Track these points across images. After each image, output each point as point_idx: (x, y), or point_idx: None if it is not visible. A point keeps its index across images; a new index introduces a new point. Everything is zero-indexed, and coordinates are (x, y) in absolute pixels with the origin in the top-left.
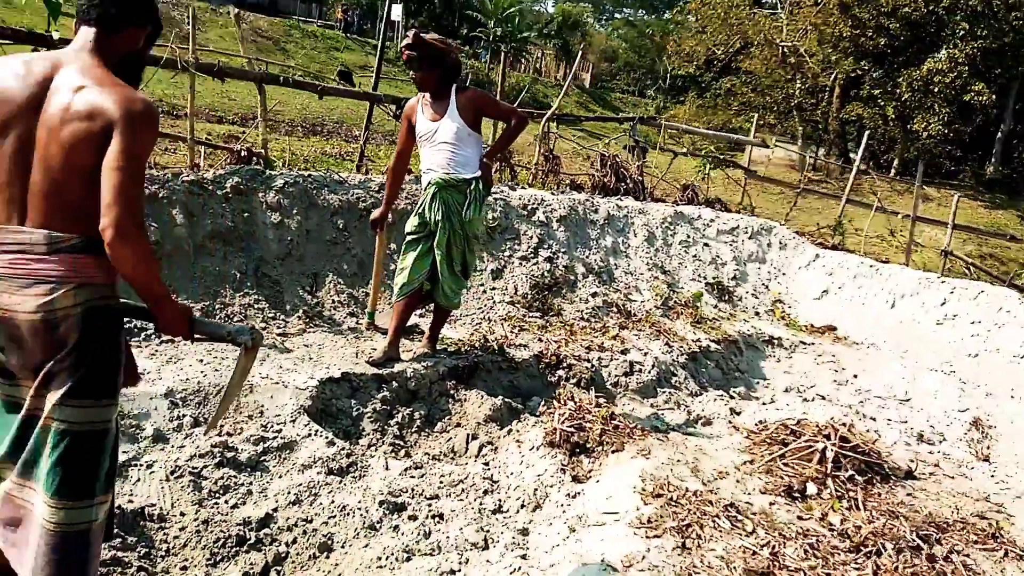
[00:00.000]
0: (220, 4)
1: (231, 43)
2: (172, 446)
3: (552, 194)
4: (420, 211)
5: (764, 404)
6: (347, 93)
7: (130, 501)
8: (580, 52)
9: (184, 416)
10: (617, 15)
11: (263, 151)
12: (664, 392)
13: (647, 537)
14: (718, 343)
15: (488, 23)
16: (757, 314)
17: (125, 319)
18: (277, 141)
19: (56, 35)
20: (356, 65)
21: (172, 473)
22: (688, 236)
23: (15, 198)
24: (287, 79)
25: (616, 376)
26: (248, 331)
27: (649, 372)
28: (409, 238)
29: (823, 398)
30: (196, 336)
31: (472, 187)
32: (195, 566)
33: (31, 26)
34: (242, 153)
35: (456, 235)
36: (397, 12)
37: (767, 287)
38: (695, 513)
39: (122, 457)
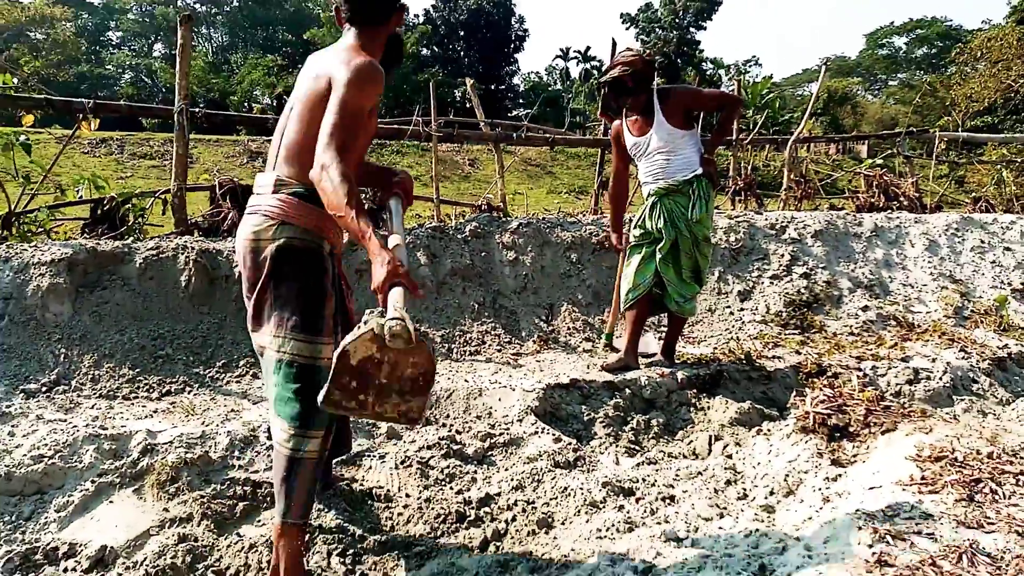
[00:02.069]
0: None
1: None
2: (404, 441)
3: (804, 212)
4: (641, 222)
5: None
6: (577, 142)
7: (361, 484)
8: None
9: None
10: (891, 82)
11: (501, 204)
12: (962, 400)
13: (919, 492)
14: None
15: (747, 112)
16: None
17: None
18: (519, 196)
19: None
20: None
21: (402, 462)
22: (982, 241)
23: (273, 154)
24: (519, 135)
25: (897, 384)
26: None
27: (940, 378)
28: (633, 243)
29: None
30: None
31: (694, 186)
32: (417, 540)
33: None
34: (482, 207)
35: (684, 240)
36: None
37: None
38: (989, 472)
39: (356, 449)
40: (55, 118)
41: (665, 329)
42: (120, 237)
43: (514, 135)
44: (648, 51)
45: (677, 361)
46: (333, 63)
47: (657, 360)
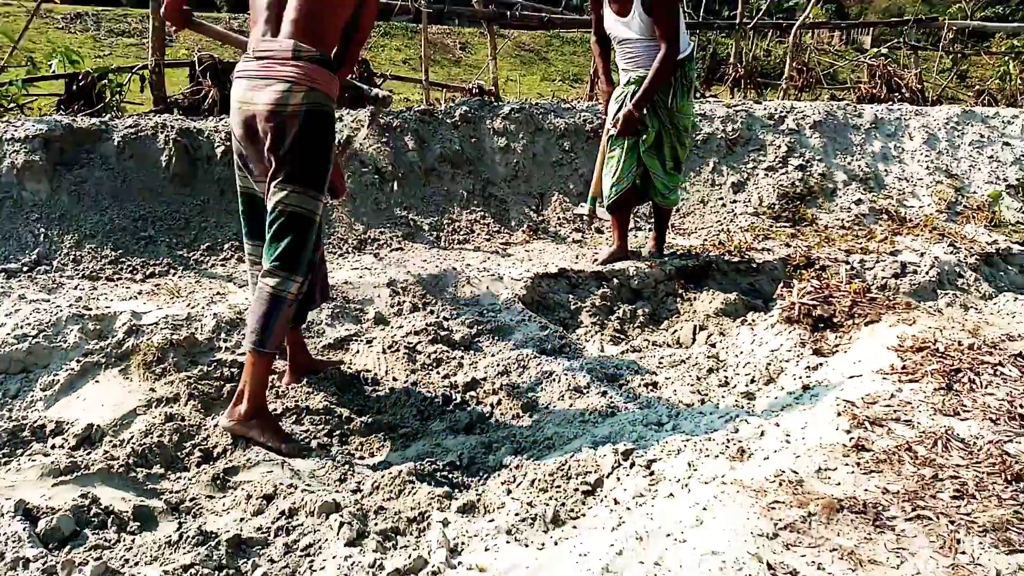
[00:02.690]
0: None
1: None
2: (391, 326)
3: (804, 103)
4: (619, 112)
5: None
6: (573, 23)
7: (349, 368)
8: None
9: (403, 302)
10: None
11: (493, 88)
12: (946, 295)
13: (899, 381)
14: (1023, 245)
15: None
16: None
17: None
18: (511, 83)
19: None
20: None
21: (389, 347)
22: (982, 136)
23: (271, 20)
24: (513, 15)
25: (884, 278)
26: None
27: (927, 273)
28: (613, 134)
29: None
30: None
31: (676, 73)
32: (404, 422)
33: None
34: (473, 91)
35: (667, 131)
36: None
37: None
38: (969, 362)
39: (344, 334)
40: None
41: (652, 223)
42: (97, 114)
43: (508, 14)
44: None
45: (667, 252)
46: None
47: (648, 253)
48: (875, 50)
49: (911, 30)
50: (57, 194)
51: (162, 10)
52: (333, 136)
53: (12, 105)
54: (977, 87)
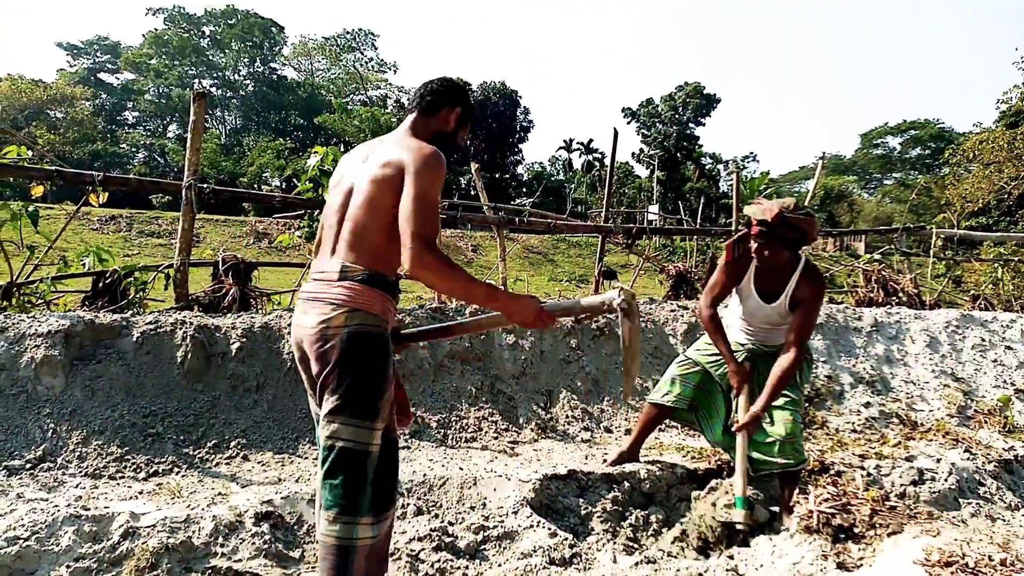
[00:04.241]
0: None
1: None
2: (394, 532)
3: None
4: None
5: None
6: (579, 227)
7: None
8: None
9: (408, 505)
10: (887, 181)
11: (503, 287)
12: (969, 505)
13: None
14: None
15: (744, 207)
16: None
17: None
18: (519, 283)
19: None
20: (618, 264)
21: (391, 555)
22: (983, 340)
23: (330, 239)
24: (521, 219)
25: (902, 485)
26: (617, 293)
27: (946, 480)
28: (703, 354)
29: None
30: (559, 319)
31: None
32: None
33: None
34: None
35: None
36: (654, 212)
37: None
38: None
39: None
40: (66, 193)
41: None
42: (120, 310)
43: (517, 219)
44: (808, 217)
45: (680, 456)
46: (401, 151)
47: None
48: (868, 256)
49: (901, 237)
50: (71, 388)
51: None
52: (384, 357)
53: (40, 301)
54: (972, 291)
